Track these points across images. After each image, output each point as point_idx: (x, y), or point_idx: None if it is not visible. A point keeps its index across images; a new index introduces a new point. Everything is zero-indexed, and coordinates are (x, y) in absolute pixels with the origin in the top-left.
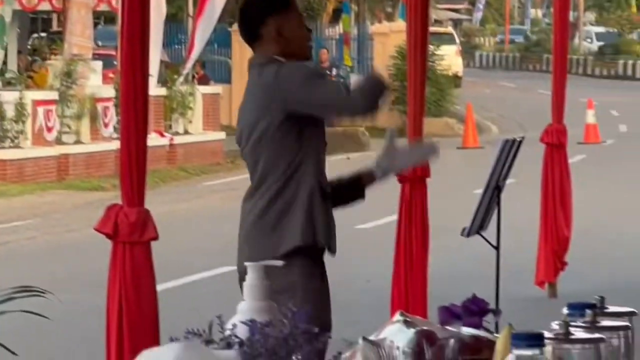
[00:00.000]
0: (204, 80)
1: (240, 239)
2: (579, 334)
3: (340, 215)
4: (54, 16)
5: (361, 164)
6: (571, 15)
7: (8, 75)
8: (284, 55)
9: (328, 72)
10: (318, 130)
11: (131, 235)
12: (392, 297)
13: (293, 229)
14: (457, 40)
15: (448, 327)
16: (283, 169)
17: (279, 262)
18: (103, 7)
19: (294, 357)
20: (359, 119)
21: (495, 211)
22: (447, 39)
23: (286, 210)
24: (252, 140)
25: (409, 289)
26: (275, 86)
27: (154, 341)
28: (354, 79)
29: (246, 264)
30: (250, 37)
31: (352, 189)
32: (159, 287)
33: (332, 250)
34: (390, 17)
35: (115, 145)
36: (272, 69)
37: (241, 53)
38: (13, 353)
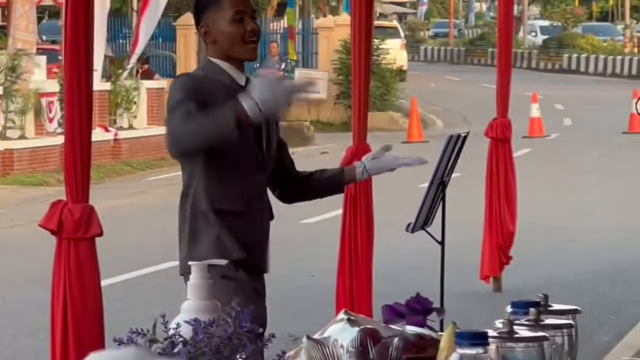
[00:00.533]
0: (148, 75)
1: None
2: (522, 332)
3: (285, 209)
4: None
5: (306, 159)
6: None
7: None
8: (222, 55)
9: (276, 67)
10: (222, 153)
11: (76, 231)
12: (337, 292)
13: (187, 248)
14: (402, 34)
15: (392, 326)
16: (185, 182)
17: (223, 261)
18: (47, 1)
19: (238, 357)
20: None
21: (440, 206)
22: (392, 32)
23: (180, 224)
24: None
25: (354, 285)
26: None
27: (99, 337)
28: (298, 74)
29: (190, 263)
30: (200, 34)
31: (333, 183)
32: (104, 283)
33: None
34: (334, 11)
35: (60, 140)
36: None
37: (186, 47)
38: None
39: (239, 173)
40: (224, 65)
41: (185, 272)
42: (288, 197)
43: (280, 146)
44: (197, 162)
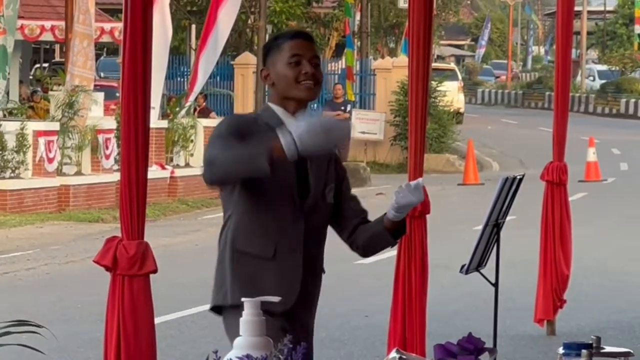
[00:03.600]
0: (205, 112)
1: None
2: None
3: (340, 249)
4: (57, 47)
5: (361, 200)
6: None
7: (10, 105)
8: (277, 98)
9: (342, 108)
10: (259, 193)
11: (130, 268)
12: (390, 333)
13: (215, 286)
14: (460, 77)
15: None
16: (223, 223)
17: (276, 298)
18: (105, 38)
19: None
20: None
21: (495, 248)
22: (450, 75)
23: (218, 264)
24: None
25: (407, 325)
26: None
27: None
28: (355, 115)
29: (243, 299)
30: (261, 77)
31: (379, 237)
32: (158, 320)
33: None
34: (393, 52)
35: (116, 177)
36: None
37: (243, 86)
38: None
39: (272, 217)
40: (279, 110)
41: (213, 307)
42: (359, 250)
43: (340, 196)
44: (233, 201)
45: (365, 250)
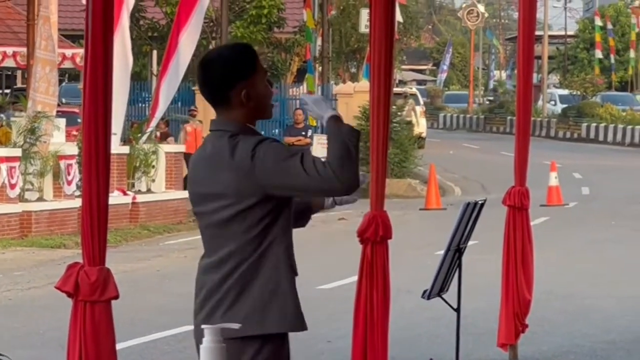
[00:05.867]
0: (165, 136)
1: (197, 306)
2: None
3: (302, 275)
4: (19, 73)
5: (323, 225)
6: (535, 77)
7: None
8: (249, 117)
9: (303, 134)
10: (288, 211)
11: (92, 294)
12: (352, 358)
13: (254, 314)
14: (421, 101)
15: None
16: (250, 249)
17: (236, 325)
18: (67, 64)
19: None
20: (339, 194)
21: (457, 273)
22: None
23: (247, 289)
24: (221, 215)
25: (368, 350)
26: (251, 170)
27: None
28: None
29: (203, 326)
30: (217, 100)
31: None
32: (120, 346)
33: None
34: (354, 77)
35: (78, 202)
36: (247, 148)
37: (205, 112)
38: None
39: (289, 235)
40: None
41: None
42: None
43: None
44: (277, 226)
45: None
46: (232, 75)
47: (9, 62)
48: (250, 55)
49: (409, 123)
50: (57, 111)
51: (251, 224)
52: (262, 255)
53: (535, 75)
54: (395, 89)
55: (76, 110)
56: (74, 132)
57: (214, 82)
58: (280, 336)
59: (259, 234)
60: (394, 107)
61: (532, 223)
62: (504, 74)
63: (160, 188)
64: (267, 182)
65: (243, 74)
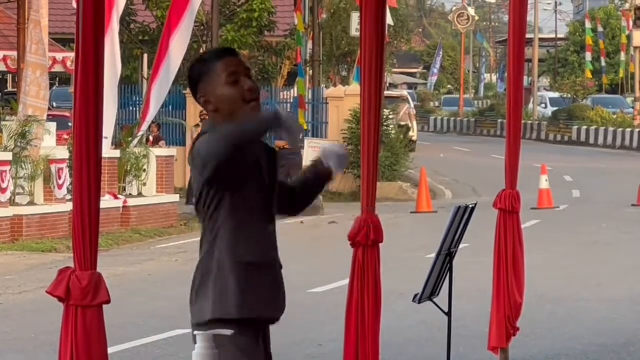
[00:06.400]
0: (157, 139)
1: None
2: None
3: (293, 279)
4: (9, 77)
5: (314, 229)
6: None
7: None
8: (226, 118)
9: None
10: (245, 200)
11: (83, 299)
12: None
13: (207, 300)
14: (412, 104)
15: None
16: (208, 237)
17: (229, 331)
18: (58, 68)
19: None
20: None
21: (448, 277)
22: (402, 102)
23: (204, 280)
24: (195, 209)
25: (360, 354)
26: (197, 155)
27: None
28: (308, 144)
29: (195, 332)
30: (200, 104)
31: (316, 180)
32: (112, 350)
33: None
34: (345, 81)
35: (69, 207)
36: (197, 142)
37: (196, 115)
38: None
39: (260, 228)
40: None
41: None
42: (293, 211)
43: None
44: (221, 218)
45: (296, 205)
46: (194, 80)
47: (0, 66)
48: (200, 61)
49: (405, 127)
50: (48, 115)
51: (205, 213)
52: (213, 243)
53: (525, 78)
54: (392, 92)
55: (67, 114)
56: (65, 136)
57: (191, 88)
58: (236, 322)
59: (209, 221)
60: (387, 110)
61: (523, 226)
62: (494, 77)
63: (152, 192)
64: (201, 163)
65: (199, 77)
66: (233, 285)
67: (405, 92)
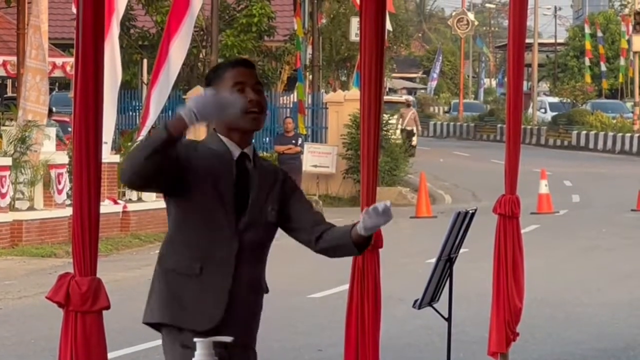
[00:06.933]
0: None
1: None
2: None
3: (292, 284)
4: (9, 82)
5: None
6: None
7: None
8: (225, 127)
9: (293, 142)
10: (190, 211)
11: (83, 304)
12: None
13: (149, 303)
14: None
15: None
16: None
17: (228, 338)
18: (57, 73)
19: None
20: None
21: (447, 282)
22: (407, 107)
23: (152, 283)
24: None
25: (360, 359)
26: None
27: None
28: (307, 149)
29: (195, 339)
30: None
31: (345, 247)
32: (111, 355)
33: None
34: (344, 86)
35: (69, 212)
36: None
37: None
38: None
39: (204, 233)
40: (224, 138)
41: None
42: (324, 252)
43: (293, 211)
44: (170, 219)
45: (329, 253)
46: (205, 85)
47: None
48: (216, 67)
49: (411, 132)
50: (52, 119)
51: (168, 211)
52: (162, 252)
53: (525, 83)
54: (398, 98)
55: (66, 119)
56: (65, 141)
57: None
58: (157, 326)
59: (168, 223)
60: (386, 114)
61: (522, 231)
62: (494, 82)
63: (151, 197)
64: None
65: (208, 84)
66: (156, 290)
67: (410, 97)
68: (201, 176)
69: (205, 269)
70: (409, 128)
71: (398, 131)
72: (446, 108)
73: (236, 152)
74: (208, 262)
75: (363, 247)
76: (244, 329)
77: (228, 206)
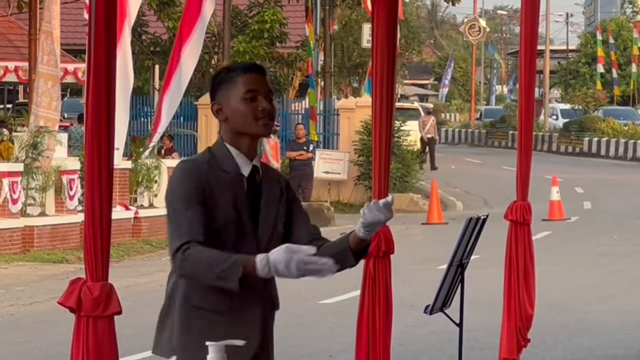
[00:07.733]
0: (171, 151)
1: None
2: None
3: (304, 290)
4: (20, 87)
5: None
6: (537, 92)
7: None
8: (230, 132)
9: (305, 148)
10: (215, 238)
11: (94, 309)
12: None
13: (159, 335)
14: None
15: None
16: (175, 278)
17: (241, 342)
18: (69, 79)
19: None
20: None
21: (459, 288)
22: (413, 114)
23: (164, 315)
24: None
25: None
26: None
27: None
28: (319, 155)
29: (207, 343)
30: (212, 111)
31: (340, 257)
32: None
33: None
34: (356, 92)
35: (80, 217)
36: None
37: (207, 127)
38: None
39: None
40: (233, 150)
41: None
42: None
43: (293, 220)
44: None
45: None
46: (214, 87)
47: (11, 77)
48: (228, 69)
49: (432, 140)
50: (60, 126)
51: None
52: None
53: (537, 89)
54: (398, 104)
55: (66, 124)
56: None
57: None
58: None
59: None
60: (398, 121)
61: (534, 237)
62: (505, 89)
63: (163, 203)
64: None
65: (219, 85)
66: (177, 326)
67: (429, 105)
68: (221, 208)
69: (234, 304)
70: (429, 135)
71: (418, 139)
72: (457, 115)
73: (246, 168)
74: (236, 297)
75: (359, 256)
76: (267, 347)
77: (247, 229)
